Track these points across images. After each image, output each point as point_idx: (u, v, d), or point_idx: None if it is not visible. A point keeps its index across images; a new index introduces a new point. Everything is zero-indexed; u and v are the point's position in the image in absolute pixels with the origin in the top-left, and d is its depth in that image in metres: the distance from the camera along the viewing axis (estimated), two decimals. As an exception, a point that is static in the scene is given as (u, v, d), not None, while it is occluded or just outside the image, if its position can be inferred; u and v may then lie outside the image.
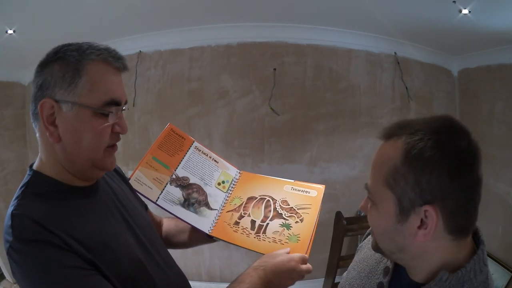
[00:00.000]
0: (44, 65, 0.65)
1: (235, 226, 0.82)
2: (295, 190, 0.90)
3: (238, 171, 0.99)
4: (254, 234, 0.79)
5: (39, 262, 0.57)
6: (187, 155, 0.92)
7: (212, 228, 0.84)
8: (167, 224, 1.02)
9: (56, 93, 0.63)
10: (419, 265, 0.58)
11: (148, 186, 0.85)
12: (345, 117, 2.45)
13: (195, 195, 0.89)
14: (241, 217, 0.84)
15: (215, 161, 0.96)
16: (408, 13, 1.91)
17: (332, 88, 2.42)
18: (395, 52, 2.43)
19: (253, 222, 0.82)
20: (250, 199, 0.88)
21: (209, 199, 0.90)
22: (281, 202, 0.86)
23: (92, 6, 1.79)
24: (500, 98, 2.18)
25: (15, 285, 2.51)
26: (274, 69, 2.34)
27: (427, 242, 0.53)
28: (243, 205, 0.87)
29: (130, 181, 0.83)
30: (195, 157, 0.93)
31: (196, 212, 0.86)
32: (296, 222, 0.81)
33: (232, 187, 0.94)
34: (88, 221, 0.66)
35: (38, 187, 0.65)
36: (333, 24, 2.27)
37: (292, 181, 0.93)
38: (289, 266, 0.72)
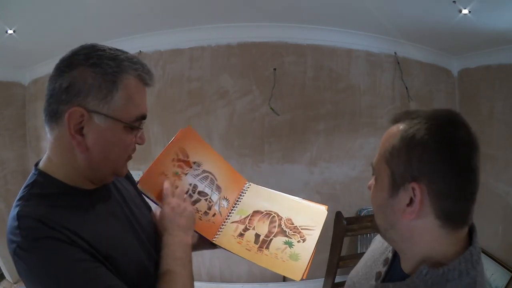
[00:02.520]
0: (73, 66, 0.61)
1: (239, 237, 0.83)
2: (300, 209, 0.91)
3: (248, 183, 0.99)
4: (257, 248, 0.80)
5: (50, 257, 0.57)
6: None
7: (217, 236, 0.84)
8: None
9: (89, 103, 0.61)
10: (408, 250, 0.60)
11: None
12: (345, 117, 2.45)
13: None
14: (246, 229, 0.85)
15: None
16: (408, 13, 1.91)
17: (332, 88, 2.42)
18: (395, 52, 2.43)
19: (257, 236, 0.82)
20: (256, 212, 0.89)
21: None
22: (286, 220, 0.87)
23: (92, 6, 1.79)
24: (500, 98, 2.18)
25: (15, 285, 2.51)
26: (274, 69, 2.34)
27: (414, 221, 0.55)
28: (248, 218, 0.88)
29: (138, 185, 0.82)
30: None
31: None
32: (299, 241, 0.82)
33: (239, 198, 0.94)
34: (93, 223, 0.66)
35: (44, 188, 0.64)
36: (333, 24, 2.27)
37: (298, 199, 0.94)
38: (167, 211, 0.78)
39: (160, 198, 0.80)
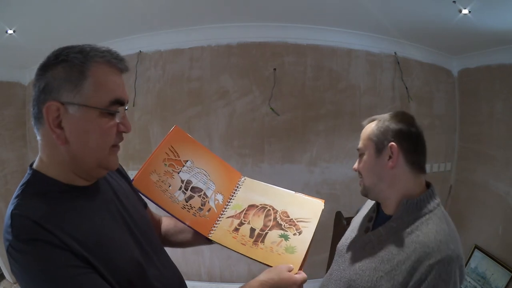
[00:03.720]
0: (46, 68, 0.65)
1: (234, 232, 0.83)
2: (296, 202, 0.91)
3: (243, 177, 0.99)
4: (253, 242, 0.80)
5: (38, 260, 0.58)
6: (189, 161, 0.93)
7: (212, 232, 0.84)
8: (167, 223, 1.02)
9: (62, 96, 0.63)
10: (392, 194, 0.89)
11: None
12: (345, 117, 2.45)
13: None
14: (241, 224, 0.85)
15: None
16: (408, 13, 1.91)
17: (332, 88, 2.42)
18: (395, 52, 2.43)
19: (252, 230, 0.82)
20: (251, 206, 0.89)
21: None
22: (281, 213, 0.87)
23: (92, 6, 1.79)
24: (500, 98, 2.18)
25: (15, 285, 2.51)
26: (274, 69, 2.34)
27: (394, 169, 0.87)
28: (243, 212, 0.88)
29: (133, 184, 0.82)
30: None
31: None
32: (294, 234, 0.81)
33: (234, 193, 0.94)
34: (86, 221, 0.66)
35: (37, 186, 0.65)
36: (333, 24, 2.27)
37: (294, 192, 0.94)
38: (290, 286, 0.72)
39: (154, 196, 0.81)
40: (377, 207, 0.99)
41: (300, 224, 0.83)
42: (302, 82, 2.39)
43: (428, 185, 0.92)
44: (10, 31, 1.87)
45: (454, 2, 1.61)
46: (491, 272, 2.08)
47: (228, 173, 0.97)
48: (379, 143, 0.89)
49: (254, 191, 0.94)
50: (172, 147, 0.91)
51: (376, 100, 2.47)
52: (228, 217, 0.87)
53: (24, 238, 0.58)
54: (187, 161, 0.91)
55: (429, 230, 0.80)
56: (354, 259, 0.94)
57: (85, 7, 1.79)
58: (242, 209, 0.88)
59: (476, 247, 2.24)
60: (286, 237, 0.80)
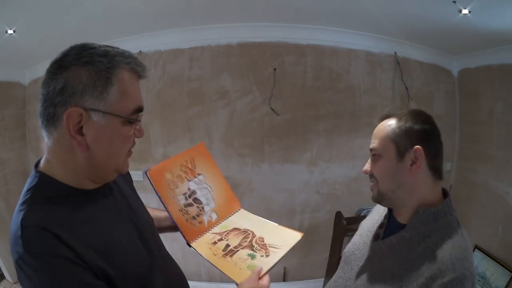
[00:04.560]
0: (64, 67, 0.61)
1: (212, 245, 0.90)
2: (275, 231, 0.97)
3: (241, 209, 1.07)
4: (222, 254, 0.86)
5: (50, 277, 0.56)
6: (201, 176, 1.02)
7: (195, 241, 0.92)
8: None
9: (86, 101, 0.60)
10: (409, 201, 0.82)
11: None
12: (345, 117, 2.45)
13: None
14: (220, 240, 0.92)
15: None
16: (408, 13, 1.91)
17: (332, 88, 2.42)
18: (395, 52, 2.43)
19: (227, 246, 0.90)
20: (235, 229, 0.97)
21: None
22: (258, 238, 0.93)
23: (92, 6, 1.79)
24: (500, 98, 2.18)
25: (15, 285, 2.51)
26: (274, 69, 2.34)
27: (417, 175, 0.80)
28: (226, 232, 0.95)
29: (148, 173, 0.88)
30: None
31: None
32: (262, 256, 0.86)
33: (228, 217, 1.02)
34: (98, 226, 0.66)
35: (46, 191, 0.63)
36: (333, 24, 2.27)
37: (277, 224, 1.00)
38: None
39: (161, 190, 0.90)
40: (389, 213, 0.92)
41: (271, 249, 0.89)
42: (302, 82, 2.39)
43: (444, 192, 0.85)
44: (10, 31, 1.87)
45: (454, 2, 1.61)
46: (491, 272, 2.08)
47: (230, 200, 1.06)
48: (401, 146, 0.80)
49: (244, 219, 1.02)
50: (193, 159, 1.01)
51: (376, 100, 2.47)
52: (212, 233, 0.95)
53: (37, 252, 0.55)
54: (200, 174, 1.01)
55: (445, 245, 0.74)
56: (361, 269, 0.88)
57: (85, 7, 1.79)
58: (227, 230, 0.96)
59: (476, 247, 2.24)
60: (253, 257, 0.86)
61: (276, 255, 0.86)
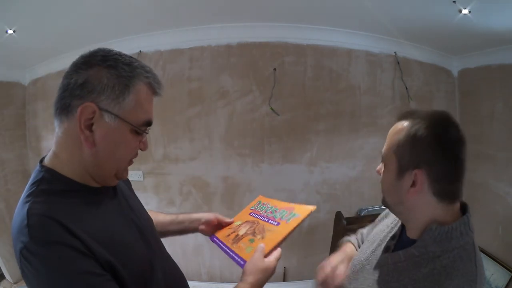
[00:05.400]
0: (89, 65, 0.64)
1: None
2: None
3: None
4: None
5: (55, 265, 0.55)
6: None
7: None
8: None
9: (102, 101, 0.63)
10: (413, 218, 0.74)
11: None
12: (345, 117, 2.45)
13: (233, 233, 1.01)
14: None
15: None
16: (408, 13, 1.91)
17: (332, 88, 2.42)
18: (395, 52, 2.43)
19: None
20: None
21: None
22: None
23: (92, 6, 1.79)
24: (500, 98, 2.18)
25: (15, 285, 2.51)
26: (274, 69, 2.34)
27: (417, 198, 0.71)
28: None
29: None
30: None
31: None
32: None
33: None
34: (103, 221, 0.67)
35: (52, 184, 0.64)
36: (333, 24, 2.27)
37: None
38: (262, 263, 0.79)
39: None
40: (402, 225, 0.83)
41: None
42: (302, 82, 2.39)
43: (463, 207, 0.74)
44: (10, 31, 1.87)
45: (454, 2, 1.61)
46: (491, 272, 2.08)
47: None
48: (402, 162, 0.71)
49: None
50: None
51: (376, 100, 2.47)
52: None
53: (44, 240, 0.56)
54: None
55: (455, 271, 0.66)
56: (364, 281, 0.82)
57: (85, 7, 1.79)
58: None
59: (476, 247, 2.24)
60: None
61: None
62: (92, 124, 0.64)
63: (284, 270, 2.53)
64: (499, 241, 2.11)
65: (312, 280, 2.52)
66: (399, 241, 0.81)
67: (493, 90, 2.23)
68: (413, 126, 0.70)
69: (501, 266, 2.02)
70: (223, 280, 2.54)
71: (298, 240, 2.45)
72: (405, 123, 0.72)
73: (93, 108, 0.63)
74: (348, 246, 1.03)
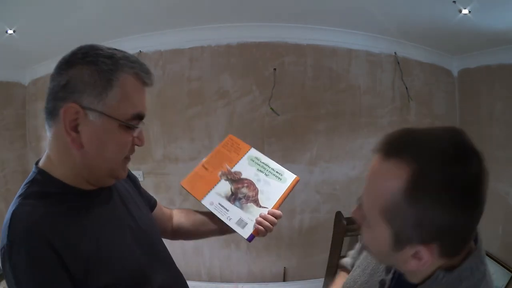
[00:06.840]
0: (70, 64, 0.62)
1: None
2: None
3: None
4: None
5: (26, 275, 0.56)
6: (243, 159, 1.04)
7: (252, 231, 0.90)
8: (178, 217, 1.04)
9: (84, 100, 0.61)
10: (414, 273, 0.58)
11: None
12: (345, 117, 2.45)
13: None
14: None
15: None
16: (408, 13, 1.91)
17: (332, 88, 2.42)
18: (395, 52, 2.43)
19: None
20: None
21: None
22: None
23: (92, 6, 1.79)
24: (500, 98, 2.18)
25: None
26: (274, 69, 2.34)
27: (421, 266, 0.52)
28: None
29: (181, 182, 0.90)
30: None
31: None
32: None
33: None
34: (89, 226, 0.65)
35: (43, 186, 0.64)
36: (333, 24, 2.26)
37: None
38: None
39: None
40: None
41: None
42: (302, 82, 2.39)
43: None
44: (10, 31, 1.86)
45: (454, 2, 1.61)
46: (491, 272, 2.08)
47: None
48: (401, 234, 0.50)
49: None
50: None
51: (376, 100, 2.47)
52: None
53: (19, 249, 0.56)
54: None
55: None
56: None
57: (85, 7, 1.79)
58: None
59: (476, 247, 2.24)
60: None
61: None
62: (78, 125, 0.62)
63: (284, 270, 2.53)
64: (499, 241, 2.11)
65: (312, 280, 2.52)
66: (397, 278, 0.66)
67: (493, 90, 2.22)
68: (418, 175, 0.46)
69: (501, 266, 2.02)
70: (223, 280, 2.54)
71: (298, 240, 2.45)
72: (400, 165, 0.47)
73: (75, 109, 0.61)
74: (343, 277, 0.89)
